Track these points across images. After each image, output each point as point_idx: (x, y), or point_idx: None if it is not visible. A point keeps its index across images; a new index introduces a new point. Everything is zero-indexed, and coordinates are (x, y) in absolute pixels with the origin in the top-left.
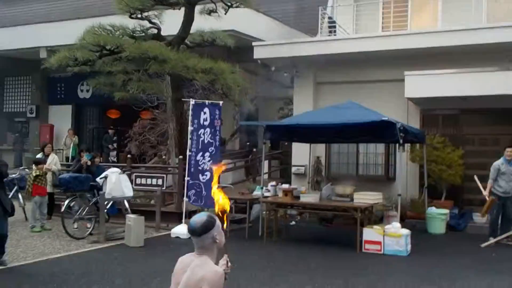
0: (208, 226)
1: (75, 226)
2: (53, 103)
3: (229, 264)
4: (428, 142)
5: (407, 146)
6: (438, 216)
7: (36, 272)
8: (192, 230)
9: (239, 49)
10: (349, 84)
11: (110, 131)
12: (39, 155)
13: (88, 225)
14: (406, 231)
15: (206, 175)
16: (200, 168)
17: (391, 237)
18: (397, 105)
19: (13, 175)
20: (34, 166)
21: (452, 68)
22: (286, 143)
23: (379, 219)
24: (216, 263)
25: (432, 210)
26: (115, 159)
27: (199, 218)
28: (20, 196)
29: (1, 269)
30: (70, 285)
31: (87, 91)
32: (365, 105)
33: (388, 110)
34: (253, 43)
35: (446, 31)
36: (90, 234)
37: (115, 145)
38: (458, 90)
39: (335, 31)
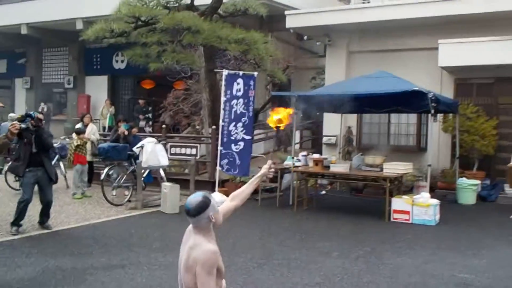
0: (202, 207)
1: (114, 193)
2: (89, 73)
3: (273, 168)
4: (461, 112)
5: (440, 116)
6: (468, 187)
7: (79, 235)
8: (186, 211)
9: (271, 18)
10: (382, 53)
11: (140, 101)
12: (78, 125)
13: (126, 193)
14: (435, 201)
15: (240, 144)
16: (232, 138)
17: (419, 206)
18: (431, 74)
19: (55, 144)
20: (75, 136)
21: (487, 36)
22: (318, 113)
23: (410, 189)
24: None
25: (463, 180)
26: (150, 129)
27: (194, 198)
28: (61, 164)
29: (47, 233)
30: (112, 248)
31: (122, 61)
32: (398, 74)
33: (421, 80)
34: (286, 12)
35: None
36: (128, 201)
37: (148, 115)
38: (493, 58)
39: None
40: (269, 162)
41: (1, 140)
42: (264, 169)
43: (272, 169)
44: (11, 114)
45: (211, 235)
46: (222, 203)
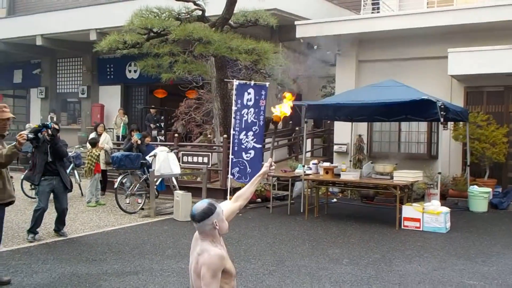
0: (207, 213)
1: (127, 201)
2: (103, 83)
3: (273, 166)
4: (472, 120)
5: (450, 124)
6: (480, 195)
7: (93, 242)
8: (192, 216)
9: (281, 28)
10: (392, 61)
11: (151, 110)
12: (92, 135)
13: (139, 201)
14: (445, 209)
15: (250, 153)
16: (243, 146)
17: (430, 214)
18: (441, 83)
19: (70, 153)
20: (89, 146)
21: (496, 45)
22: (328, 122)
23: (421, 197)
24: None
25: (474, 188)
26: (162, 138)
27: (200, 204)
28: (76, 173)
29: (62, 240)
30: (126, 255)
31: (135, 71)
32: (408, 83)
33: (431, 88)
34: (296, 22)
35: (491, 6)
36: (142, 209)
37: (158, 124)
38: (503, 66)
39: (378, 8)
40: (270, 160)
41: (10, 150)
42: (265, 167)
43: (273, 167)
44: (29, 124)
45: (218, 241)
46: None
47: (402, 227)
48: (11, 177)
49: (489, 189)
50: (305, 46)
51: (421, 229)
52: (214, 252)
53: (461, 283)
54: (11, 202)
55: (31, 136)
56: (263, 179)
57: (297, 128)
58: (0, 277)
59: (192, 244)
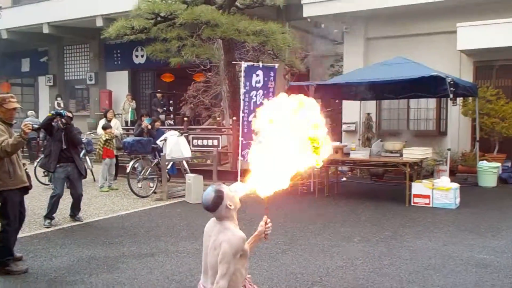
0: (217, 202)
1: (140, 185)
2: (110, 69)
3: (269, 224)
4: (481, 95)
5: (459, 100)
6: (489, 170)
7: (109, 226)
8: (205, 208)
9: (288, 7)
10: (400, 38)
11: (158, 95)
12: (102, 121)
13: (151, 185)
14: (455, 185)
15: None
16: (252, 128)
17: (439, 190)
18: (450, 58)
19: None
20: (102, 131)
21: (505, 18)
22: (337, 101)
23: (430, 173)
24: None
25: (483, 163)
26: (172, 122)
27: (208, 195)
28: (87, 159)
29: (78, 225)
30: (141, 238)
31: (142, 56)
32: (416, 59)
33: (440, 64)
34: (302, 1)
35: None
36: (154, 192)
37: (165, 108)
38: None
39: None
40: (264, 218)
41: (16, 139)
42: (260, 227)
43: (269, 225)
44: (31, 112)
45: (235, 219)
46: (244, 191)
47: (412, 204)
48: (24, 164)
49: (498, 164)
50: (313, 25)
51: (430, 205)
52: (238, 233)
53: (471, 257)
54: (26, 188)
55: (36, 126)
56: (260, 241)
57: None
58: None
59: (208, 225)
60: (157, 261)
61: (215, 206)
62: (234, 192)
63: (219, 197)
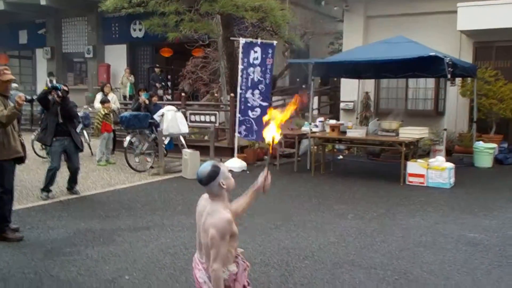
0: (212, 176)
1: (137, 160)
2: (108, 43)
3: (269, 179)
4: (480, 75)
5: (458, 80)
6: (485, 150)
7: (106, 200)
8: (199, 180)
9: None
10: (400, 17)
11: (156, 69)
12: (99, 95)
13: (149, 159)
14: (450, 165)
15: (256, 111)
16: (249, 105)
17: (434, 170)
18: (449, 38)
19: (78, 113)
20: (99, 105)
21: None
22: (335, 79)
23: (427, 153)
24: (227, 203)
25: (480, 144)
26: (169, 97)
27: (205, 168)
28: (85, 133)
29: (75, 198)
30: (137, 211)
31: (140, 30)
32: (416, 38)
33: (440, 44)
34: None
35: None
36: (151, 167)
37: (163, 83)
38: None
39: None
40: (265, 171)
41: (10, 110)
42: (261, 177)
43: (269, 179)
44: (15, 85)
45: (226, 201)
46: (241, 168)
47: (407, 183)
48: (20, 135)
49: (495, 145)
50: (313, 2)
51: (425, 184)
52: (224, 215)
53: (462, 236)
54: (20, 159)
55: (28, 97)
56: (259, 194)
57: (304, 86)
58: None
59: (199, 203)
60: (153, 235)
61: (208, 180)
62: (230, 176)
63: (214, 171)
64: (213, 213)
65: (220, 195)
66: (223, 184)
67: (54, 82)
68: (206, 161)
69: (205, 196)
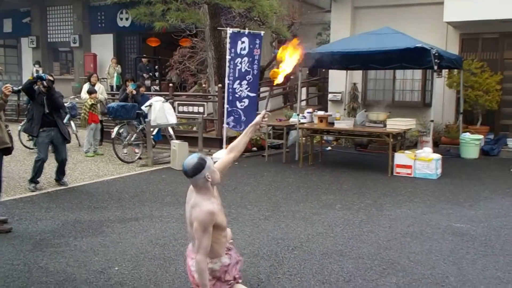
0: (198, 168)
1: (125, 151)
2: (94, 32)
3: (266, 118)
4: (466, 67)
5: (445, 71)
6: (471, 142)
7: (94, 191)
8: (184, 172)
9: None
10: (387, 8)
11: (143, 60)
12: (86, 85)
13: (137, 150)
14: (436, 156)
15: (244, 101)
16: (237, 95)
17: (421, 161)
18: (437, 30)
19: (65, 104)
20: (86, 95)
21: None
22: (324, 70)
23: (414, 144)
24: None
25: (466, 135)
26: (157, 87)
27: (191, 160)
28: (72, 123)
29: (63, 189)
30: (126, 202)
31: (127, 19)
32: (404, 30)
33: (427, 35)
34: None
35: None
36: (139, 158)
37: (151, 73)
38: (498, 12)
39: None
40: (263, 112)
41: None
42: (258, 117)
43: (266, 118)
44: None
45: (211, 193)
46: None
47: (394, 174)
48: (7, 125)
49: (481, 136)
50: None
51: (412, 175)
52: (205, 207)
53: (448, 226)
54: (7, 150)
55: (16, 88)
56: (256, 130)
57: (292, 77)
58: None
59: (187, 194)
60: (141, 226)
61: (194, 172)
62: (215, 170)
63: (200, 164)
64: (196, 206)
65: (205, 187)
66: (209, 177)
67: (41, 71)
68: (195, 152)
69: (188, 193)
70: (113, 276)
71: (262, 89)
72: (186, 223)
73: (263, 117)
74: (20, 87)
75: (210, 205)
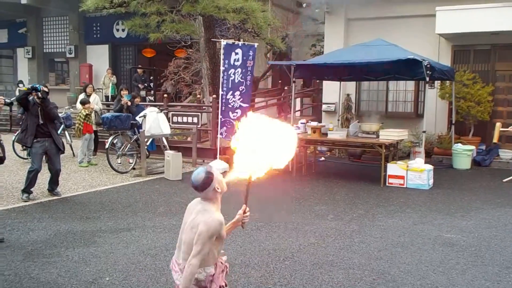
0: (207, 182)
1: (119, 161)
2: (90, 43)
3: (247, 213)
4: (458, 79)
5: (437, 83)
6: (464, 152)
7: (87, 201)
8: (194, 187)
9: None
10: (380, 20)
11: (139, 70)
12: (81, 95)
13: (131, 161)
14: (428, 166)
15: (237, 112)
16: (230, 106)
17: (414, 171)
18: (428, 41)
19: (60, 114)
20: (80, 106)
21: (484, 3)
22: (318, 81)
23: (407, 155)
24: (219, 206)
25: (458, 146)
26: (152, 98)
27: (198, 175)
28: (67, 134)
29: (57, 199)
30: (119, 213)
31: (123, 30)
32: (397, 41)
33: (419, 47)
34: None
35: None
36: (133, 168)
37: (146, 84)
38: (490, 25)
39: None
40: (243, 206)
41: None
42: (238, 215)
43: (247, 214)
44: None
45: (218, 203)
46: (223, 170)
47: (387, 184)
48: None
49: (473, 147)
50: (294, 4)
51: (405, 186)
52: (217, 216)
53: (439, 236)
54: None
55: (8, 100)
56: (236, 227)
57: (286, 88)
58: None
59: (191, 203)
60: (134, 236)
61: (203, 187)
62: (222, 179)
63: (209, 178)
64: (205, 212)
65: (214, 198)
66: (218, 189)
67: (22, 88)
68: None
69: (193, 202)
70: (104, 287)
71: (256, 100)
72: (181, 230)
73: (244, 213)
74: (12, 99)
75: (221, 215)
